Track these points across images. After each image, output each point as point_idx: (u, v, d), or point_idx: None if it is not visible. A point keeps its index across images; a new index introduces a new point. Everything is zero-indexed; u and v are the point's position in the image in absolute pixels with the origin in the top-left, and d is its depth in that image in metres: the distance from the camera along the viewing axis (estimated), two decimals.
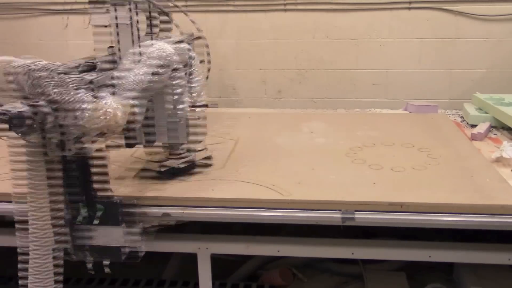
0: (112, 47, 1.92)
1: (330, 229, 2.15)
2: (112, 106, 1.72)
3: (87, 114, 1.62)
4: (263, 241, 2.24)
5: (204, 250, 2.20)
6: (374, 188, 2.17)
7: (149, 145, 2.17)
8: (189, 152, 2.30)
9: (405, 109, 3.91)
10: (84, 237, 1.91)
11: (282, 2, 4.53)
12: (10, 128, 1.51)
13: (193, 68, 2.23)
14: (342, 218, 2.00)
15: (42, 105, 1.55)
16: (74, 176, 1.82)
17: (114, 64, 1.91)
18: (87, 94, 1.64)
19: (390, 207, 2.01)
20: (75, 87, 1.61)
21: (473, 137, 3.04)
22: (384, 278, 2.59)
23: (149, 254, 2.08)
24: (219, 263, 2.55)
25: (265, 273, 2.77)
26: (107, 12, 1.86)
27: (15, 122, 1.50)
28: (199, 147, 2.34)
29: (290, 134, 2.95)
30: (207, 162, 2.43)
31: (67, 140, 1.66)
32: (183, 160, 2.26)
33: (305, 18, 4.53)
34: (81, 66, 1.76)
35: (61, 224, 1.81)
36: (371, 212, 2.01)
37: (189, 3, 4.53)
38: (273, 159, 2.54)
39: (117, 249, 1.92)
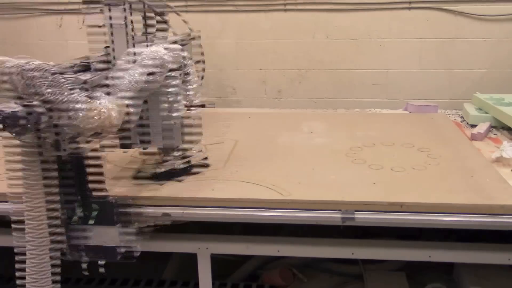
0: (108, 47, 1.91)
1: (330, 229, 2.14)
2: (106, 106, 1.71)
3: (81, 114, 1.61)
4: (263, 241, 2.24)
5: (204, 250, 2.20)
6: (374, 188, 2.16)
7: (144, 148, 2.16)
8: (184, 155, 2.29)
9: (405, 109, 3.89)
10: (79, 237, 1.91)
11: (282, 2, 4.51)
12: (4, 128, 1.51)
13: (188, 70, 2.22)
14: (342, 218, 1.99)
15: (36, 105, 1.54)
16: (69, 176, 1.82)
17: (108, 64, 1.90)
18: (81, 95, 1.63)
19: (390, 207, 2.01)
20: (69, 87, 1.60)
21: (473, 137, 3.03)
22: (384, 278, 2.58)
23: (149, 254, 2.08)
24: (219, 263, 2.54)
25: (265, 273, 2.76)
26: (101, 12, 1.86)
27: (9, 122, 1.49)
28: (195, 149, 2.33)
29: (290, 134, 2.94)
30: (204, 163, 2.41)
31: (62, 140, 1.66)
32: (179, 163, 2.26)
33: (305, 18, 4.52)
34: (76, 66, 1.75)
35: (57, 224, 1.81)
36: (371, 212, 2.01)
37: (189, 3, 4.52)
38: (273, 159, 2.53)
39: (113, 248, 1.92)
